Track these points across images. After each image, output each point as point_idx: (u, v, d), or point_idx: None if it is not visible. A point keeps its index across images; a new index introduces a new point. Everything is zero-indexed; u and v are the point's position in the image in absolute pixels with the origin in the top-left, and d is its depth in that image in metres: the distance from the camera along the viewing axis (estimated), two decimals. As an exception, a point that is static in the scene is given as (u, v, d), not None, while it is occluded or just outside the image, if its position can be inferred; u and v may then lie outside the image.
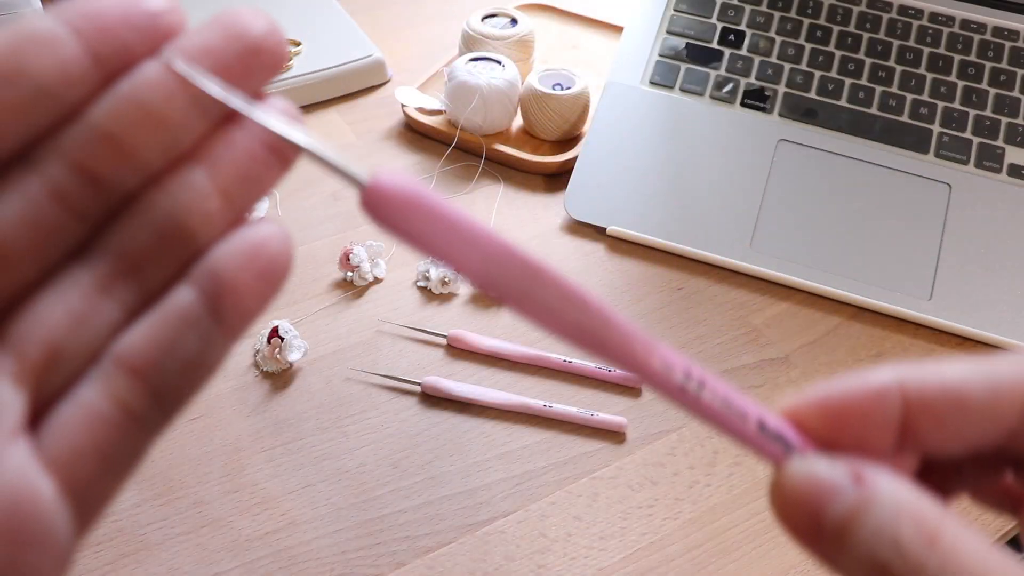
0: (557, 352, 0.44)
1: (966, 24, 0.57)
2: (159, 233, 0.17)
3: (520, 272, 0.18)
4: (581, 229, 0.52)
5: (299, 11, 0.63)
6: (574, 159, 0.54)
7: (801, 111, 0.54)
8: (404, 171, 0.17)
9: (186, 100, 0.17)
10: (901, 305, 0.48)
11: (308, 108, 0.58)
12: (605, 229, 0.51)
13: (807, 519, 0.17)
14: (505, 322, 0.46)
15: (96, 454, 0.16)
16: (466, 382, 0.43)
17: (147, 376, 0.17)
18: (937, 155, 0.53)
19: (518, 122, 0.57)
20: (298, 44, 0.60)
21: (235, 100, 0.17)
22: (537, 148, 0.56)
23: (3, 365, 0.16)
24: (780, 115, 0.54)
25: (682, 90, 0.55)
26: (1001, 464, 0.20)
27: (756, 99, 0.55)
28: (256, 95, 0.18)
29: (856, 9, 0.58)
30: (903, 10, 0.57)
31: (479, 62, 0.55)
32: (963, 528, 0.16)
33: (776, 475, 0.18)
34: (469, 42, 0.58)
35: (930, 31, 0.57)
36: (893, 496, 0.16)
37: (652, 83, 0.55)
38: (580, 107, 0.55)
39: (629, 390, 0.44)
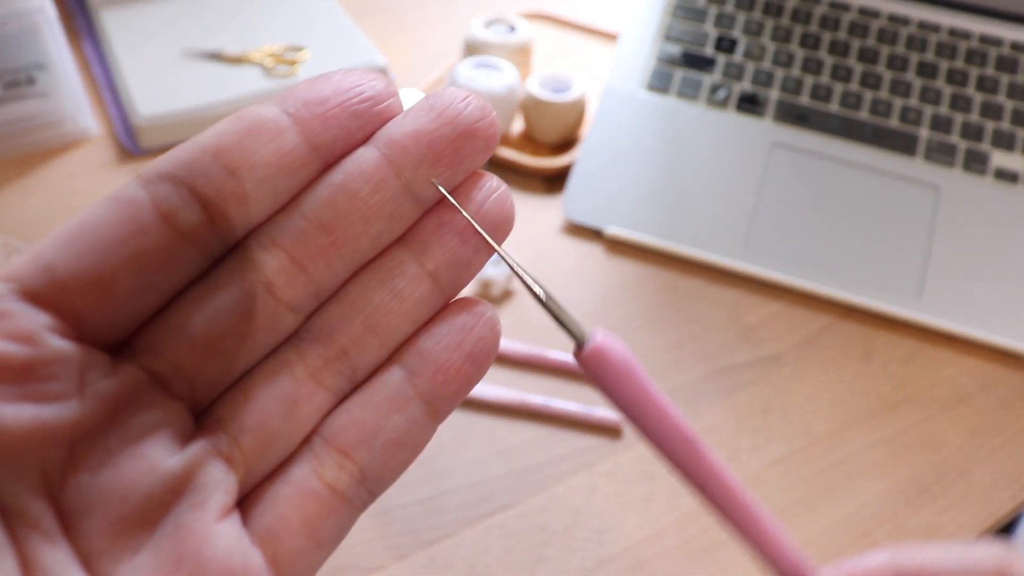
0: (557, 350, 0.46)
1: (954, 32, 0.58)
2: (369, 321, 0.17)
3: (686, 445, 0.20)
4: (580, 231, 0.53)
5: (304, 16, 0.64)
6: (573, 162, 0.55)
7: (793, 115, 0.55)
8: (614, 336, 0.19)
9: (398, 188, 0.17)
10: (891, 304, 0.49)
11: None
12: (603, 230, 0.52)
13: None
14: (506, 322, 0.47)
15: (304, 529, 0.16)
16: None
17: (356, 456, 0.17)
18: (926, 158, 0.54)
19: (518, 126, 0.58)
20: (301, 50, 0.61)
21: (483, 233, 0.18)
22: (537, 151, 0.57)
23: (218, 446, 0.16)
24: (773, 119, 0.55)
25: (678, 95, 0.56)
26: None
27: (750, 104, 0.56)
28: (471, 175, 0.18)
29: (847, 17, 0.59)
30: (893, 18, 0.59)
31: (480, 68, 0.56)
32: None
33: None
34: (470, 48, 0.60)
35: (918, 38, 0.58)
36: None
37: (649, 88, 0.56)
38: (578, 112, 0.56)
39: (626, 387, 0.45)
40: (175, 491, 0.16)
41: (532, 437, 0.42)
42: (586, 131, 0.56)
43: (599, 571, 0.38)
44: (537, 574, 0.37)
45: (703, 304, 0.50)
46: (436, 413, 0.18)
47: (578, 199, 0.53)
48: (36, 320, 0.15)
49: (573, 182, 0.54)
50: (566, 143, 0.57)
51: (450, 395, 0.18)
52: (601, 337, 0.19)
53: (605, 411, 0.43)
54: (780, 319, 0.49)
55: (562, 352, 0.45)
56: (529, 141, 0.58)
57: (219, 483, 0.16)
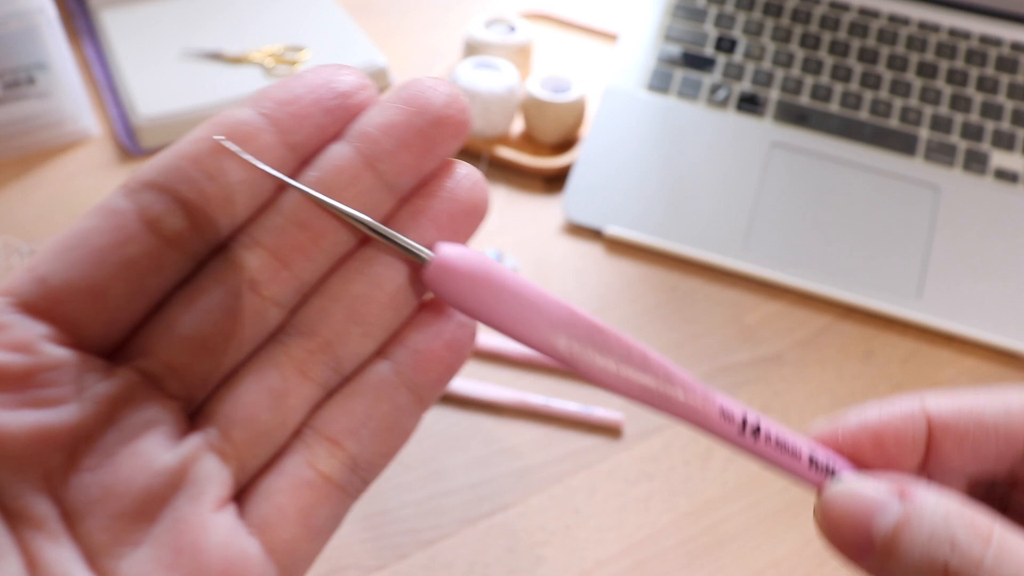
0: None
1: (954, 32, 0.58)
2: (350, 311, 0.18)
3: (586, 336, 0.18)
4: (580, 230, 0.53)
5: (304, 16, 0.64)
6: (573, 163, 0.55)
7: (793, 116, 0.55)
8: (462, 246, 0.18)
9: (372, 181, 0.17)
10: (891, 304, 0.49)
11: (312, 113, 0.59)
12: (603, 230, 0.52)
13: (855, 535, 0.18)
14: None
15: (300, 519, 0.17)
16: (467, 379, 0.44)
17: (347, 445, 0.17)
18: (926, 158, 0.54)
19: (518, 126, 0.58)
20: (301, 50, 0.61)
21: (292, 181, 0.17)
22: (537, 151, 0.57)
23: (211, 440, 0.17)
24: (773, 119, 0.55)
25: (678, 95, 0.56)
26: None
27: (750, 104, 0.56)
28: (443, 163, 0.18)
29: (847, 17, 0.59)
30: (893, 18, 0.59)
31: (480, 68, 0.56)
32: (1008, 527, 0.17)
33: (821, 498, 0.19)
34: (470, 48, 0.60)
35: (918, 38, 0.58)
36: (939, 505, 0.17)
37: (649, 88, 0.56)
38: (578, 112, 0.56)
39: (626, 387, 0.45)
40: (172, 485, 0.16)
41: (532, 437, 0.42)
42: (586, 131, 0.56)
43: (599, 571, 0.38)
44: (537, 574, 0.37)
45: (703, 304, 0.50)
46: (421, 400, 0.18)
47: (578, 199, 0.53)
48: (33, 330, 0.16)
49: (573, 182, 0.54)
50: (566, 143, 0.57)
51: (434, 383, 0.18)
52: (443, 250, 0.18)
53: (605, 411, 0.43)
54: (780, 319, 0.49)
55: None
56: (529, 141, 0.58)
57: (213, 476, 0.16)
